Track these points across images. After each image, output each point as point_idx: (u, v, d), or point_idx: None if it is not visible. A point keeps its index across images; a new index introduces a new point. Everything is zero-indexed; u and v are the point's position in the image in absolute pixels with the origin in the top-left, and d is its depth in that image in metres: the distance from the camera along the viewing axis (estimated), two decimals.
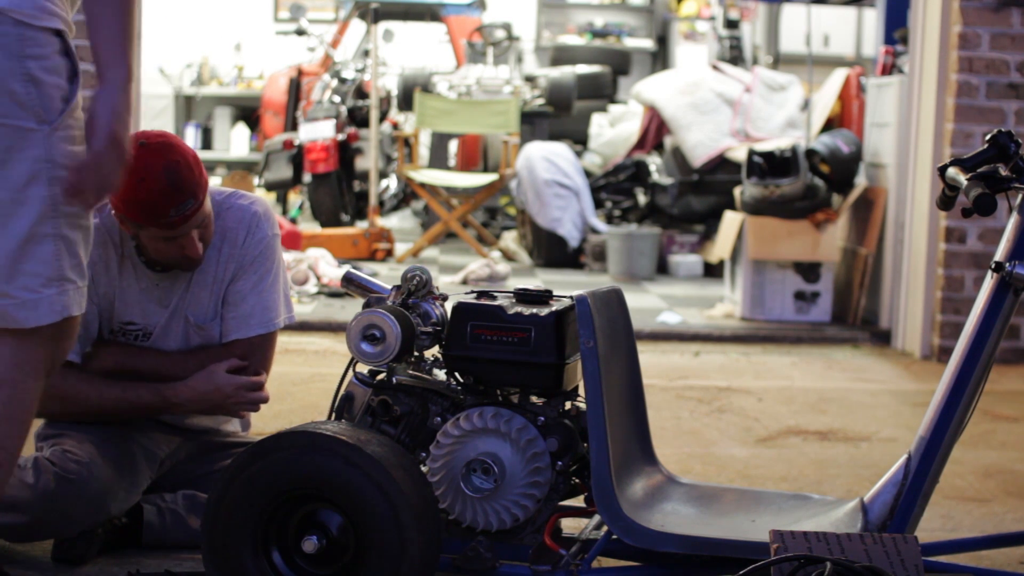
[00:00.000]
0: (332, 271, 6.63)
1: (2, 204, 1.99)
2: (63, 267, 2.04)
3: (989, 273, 2.31)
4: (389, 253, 7.97)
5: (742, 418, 4.34)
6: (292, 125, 9.68)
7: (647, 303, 6.65)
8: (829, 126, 6.93)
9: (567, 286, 6.86)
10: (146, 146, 2.58)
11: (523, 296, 2.50)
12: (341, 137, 8.74)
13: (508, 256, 8.34)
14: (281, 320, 2.82)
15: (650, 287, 7.28)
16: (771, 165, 6.20)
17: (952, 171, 2.34)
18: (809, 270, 6.22)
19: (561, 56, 12.09)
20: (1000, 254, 2.31)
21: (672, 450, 3.81)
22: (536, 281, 7.27)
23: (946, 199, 2.44)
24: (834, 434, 4.14)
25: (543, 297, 2.50)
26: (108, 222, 2.72)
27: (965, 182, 2.28)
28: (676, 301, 6.79)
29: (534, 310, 2.43)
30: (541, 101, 9.35)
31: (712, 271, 7.66)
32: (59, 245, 2.03)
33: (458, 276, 7.18)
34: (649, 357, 5.38)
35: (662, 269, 7.85)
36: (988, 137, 2.34)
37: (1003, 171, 2.31)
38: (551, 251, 8.02)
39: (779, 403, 4.61)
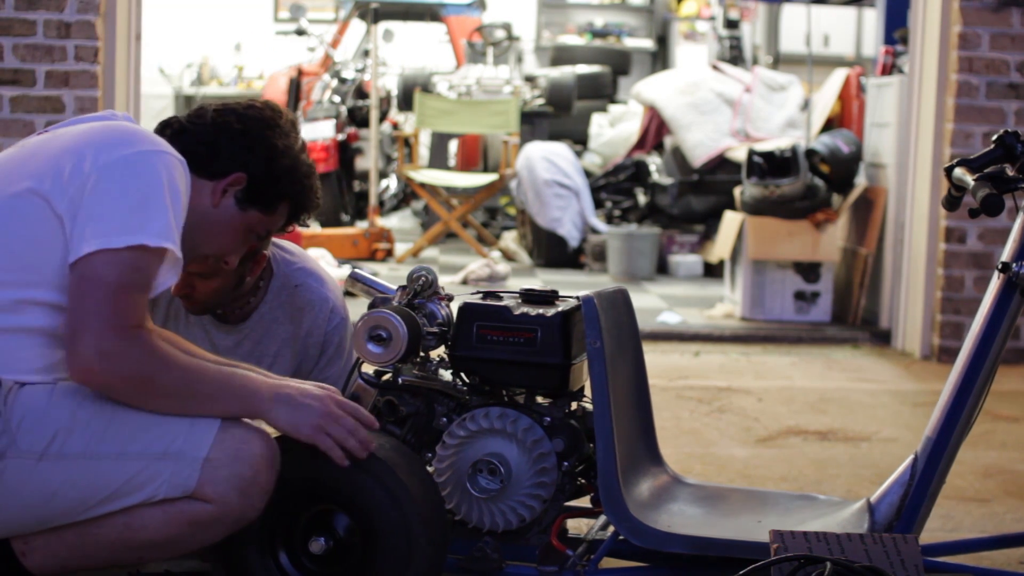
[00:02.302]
0: (332, 271, 6.62)
1: None
2: None
3: (996, 273, 2.32)
4: (389, 253, 7.97)
5: (742, 418, 4.34)
6: None
7: (647, 303, 6.65)
8: (829, 126, 6.94)
9: (567, 286, 6.86)
10: None
11: (529, 296, 2.50)
12: (341, 137, 8.75)
13: (508, 256, 8.34)
14: None
15: (650, 287, 7.28)
16: (771, 165, 6.20)
17: (959, 171, 2.35)
18: (809, 270, 6.22)
19: (561, 56, 12.10)
20: (1007, 254, 2.31)
21: (672, 450, 3.81)
22: (536, 281, 7.27)
23: (952, 200, 2.45)
24: (834, 434, 4.14)
25: (549, 297, 2.50)
26: None
27: (972, 183, 2.28)
28: (676, 301, 6.79)
29: (540, 310, 2.42)
30: (541, 101, 9.35)
31: (712, 271, 7.66)
32: None
33: (458, 276, 7.18)
34: (649, 357, 5.32)
35: (662, 269, 7.85)
36: (995, 138, 2.34)
37: (1010, 171, 2.31)
38: (551, 251, 8.02)
39: (779, 403, 4.61)
